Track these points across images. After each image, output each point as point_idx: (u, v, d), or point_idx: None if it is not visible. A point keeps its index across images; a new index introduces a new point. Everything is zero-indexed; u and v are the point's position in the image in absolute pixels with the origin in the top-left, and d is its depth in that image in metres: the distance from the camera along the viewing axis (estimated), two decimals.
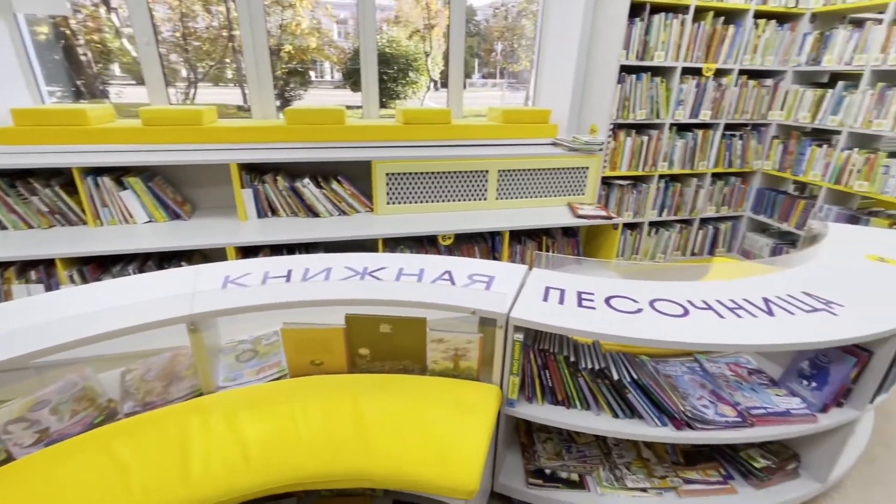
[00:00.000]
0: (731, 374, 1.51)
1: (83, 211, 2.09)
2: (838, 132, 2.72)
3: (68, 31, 3.55)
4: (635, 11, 2.56)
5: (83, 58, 3.80)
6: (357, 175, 2.49)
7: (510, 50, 3.62)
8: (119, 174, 2.14)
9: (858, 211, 2.76)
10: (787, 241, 3.16)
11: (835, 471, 1.46)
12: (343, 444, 1.07)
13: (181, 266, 1.55)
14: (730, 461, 1.49)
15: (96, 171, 2.08)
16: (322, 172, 2.49)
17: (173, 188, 2.34)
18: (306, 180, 2.34)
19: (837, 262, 1.61)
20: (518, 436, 1.57)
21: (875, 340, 1.24)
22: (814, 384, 1.39)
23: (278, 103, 2.89)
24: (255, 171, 2.35)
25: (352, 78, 3.36)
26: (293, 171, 2.49)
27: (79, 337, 1.08)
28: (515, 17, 3.56)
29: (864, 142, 2.71)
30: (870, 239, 1.84)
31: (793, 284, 1.44)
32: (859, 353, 1.31)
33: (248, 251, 2.15)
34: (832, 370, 1.35)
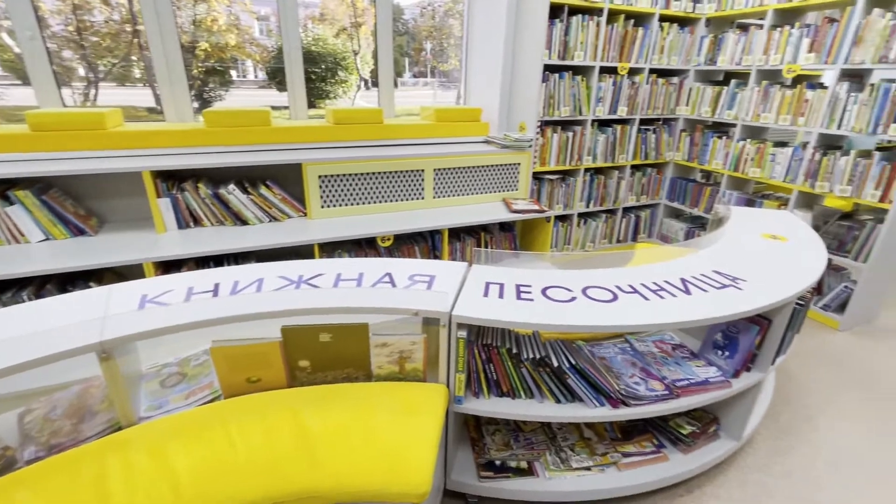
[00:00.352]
0: (657, 351, 1.64)
1: None
2: (734, 125, 3.04)
3: None
4: (555, 13, 2.68)
5: None
6: (287, 179, 2.38)
7: (439, 49, 3.63)
8: (4, 188, 1.88)
9: (754, 195, 3.10)
10: (698, 225, 3.48)
11: (747, 428, 1.63)
12: (286, 463, 1.02)
13: (90, 287, 1.39)
14: (661, 431, 1.62)
15: None
16: (249, 177, 2.35)
17: (74, 201, 2.10)
18: (231, 186, 2.20)
19: (739, 242, 1.80)
20: (467, 431, 1.59)
21: (773, 309, 1.40)
22: (726, 353, 1.55)
23: (196, 105, 2.68)
24: (172, 179, 2.17)
25: (277, 77, 3.19)
26: (216, 176, 2.32)
27: None
28: (443, 16, 3.59)
29: (755, 133, 3.05)
30: (764, 219, 2.08)
31: (705, 264, 1.59)
32: (761, 321, 1.47)
33: (169, 266, 1.98)
34: (741, 339, 1.51)
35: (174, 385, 1.32)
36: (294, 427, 1.11)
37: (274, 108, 2.64)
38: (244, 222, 2.26)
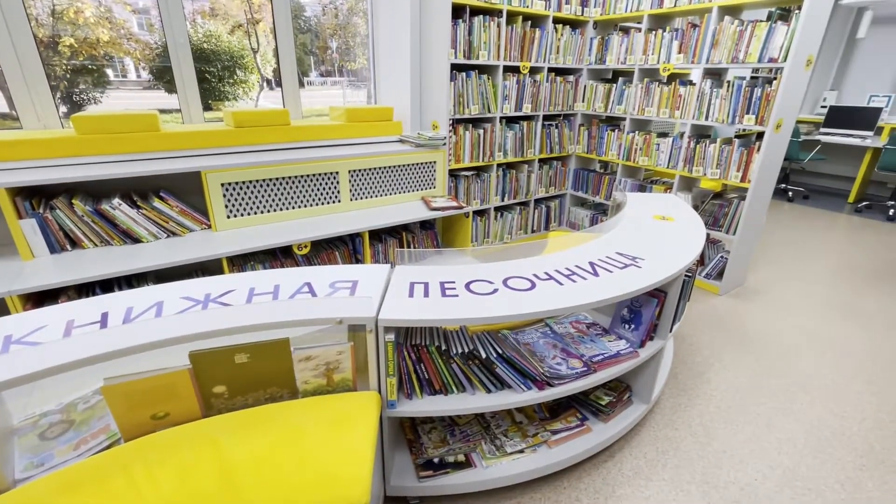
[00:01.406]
0: (574, 331, 1.76)
1: None
2: (624, 119, 3.36)
3: None
4: (457, 13, 2.74)
5: None
6: (184, 189, 2.17)
7: (346, 48, 3.54)
8: None
9: (644, 181, 3.45)
10: (600, 211, 3.79)
11: (654, 391, 1.82)
12: (208, 502, 0.93)
13: None
14: (583, 405, 1.74)
15: None
16: (137, 189, 2.10)
17: None
18: (116, 201, 1.95)
19: (635, 224, 2.00)
20: (403, 434, 1.58)
21: (668, 283, 1.57)
22: (632, 326, 1.71)
23: (65, 109, 2.33)
24: (38, 196, 1.86)
25: (165, 77, 2.89)
26: (96, 190, 2.04)
27: None
28: (346, 14, 3.50)
29: (641, 125, 3.40)
30: (654, 203, 2.32)
31: (608, 247, 1.74)
32: (659, 294, 1.65)
33: (41, 298, 1.70)
34: (643, 312, 1.67)
35: (58, 435, 1.14)
36: (213, 460, 1.02)
37: (163, 111, 2.39)
38: (136, 240, 2.02)
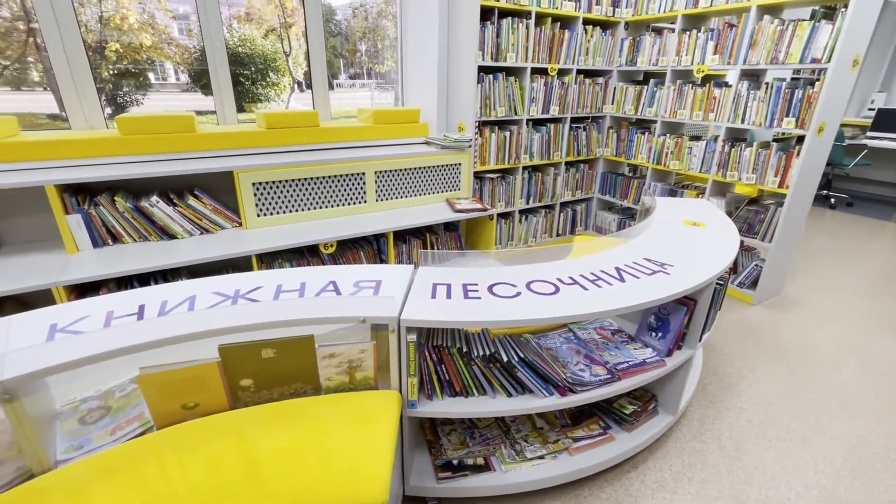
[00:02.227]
0: (598, 338, 1.73)
1: None
2: (654, 121, 3.27)
3: None
4: (485, 15, 2.74)
5: None
6: (218, 188, 2.24)
7: (374, 50, 3.59)
8: None
9: (675, 185, 3.36)
10: (628, 216, 3.71)
11: (682, 401, 1.76)
12: (233, 492, 0.96)
13: None
14: (606, 413, 1.71)
15: None
16: (174, 188, 2.19)
17: None
18: (155, 198, 2.03)
19: (665, 230, 1.94)
20: (423, 434, 1.58)
21: (698, 290, 1.52)
22: (660, 334, 1.66)
23: (110, 110, 2.46)
24: (83, 193, 1.97)
25: (201, 80, 3.00)
26: (136, 188, 2.14)
27: None
28: (376, 17, 3.55)
29: (673, 128, 3.31)
30: (685, 208, 2.26)
31: (636, 253, 1.70)
32: (688, 302, 1.60)
33: (84, 290, 1.80)
34: (671, 320, 1.62)
35: (96, 421, 1.20)
36: (239, 452, 1.05)
37: (199, 112, 2.48)
38: (172, 236, 2.10)
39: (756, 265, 2.84)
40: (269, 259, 2.22)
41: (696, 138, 3.06)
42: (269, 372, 1.22)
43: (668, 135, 3.21)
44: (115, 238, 2.01)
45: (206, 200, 2.16)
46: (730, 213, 2.89)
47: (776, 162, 2.59)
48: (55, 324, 1.17)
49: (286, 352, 1.21)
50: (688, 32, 2.95)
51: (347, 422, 1.15)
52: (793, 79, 2.80)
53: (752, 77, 2.75)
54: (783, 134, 3.00)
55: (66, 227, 1.86)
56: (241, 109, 2.78)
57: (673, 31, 3.05)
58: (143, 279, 1.94)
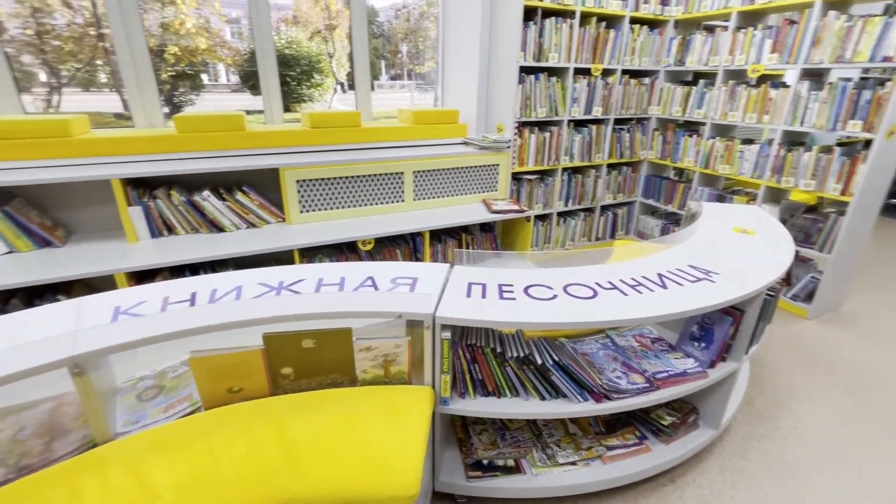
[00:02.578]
0: (637, 345, 1.68)
1: None
2: (703, 123, 3.14)
3: None
4: (528, 15, 2.72)
5: None
6: (264, 184, 2.34)
7: (415, 51, 3.64)
8: None
9: (724, 190, 3.20)
10: (672, 221, 3.57)
11: (725, 416, 1.68)
12: (272, 474, 1.00)
13: (58, 301, 1.34)
14: (643, 423, 1.65)
15: None
16: (224, 183, 2.30)
17: (39, 212, 2.02)
18: (206, 193, 2.15)
19: (711, 236, 1.86)
20: (454, 432, 1.59)
21: (745, 301, 1.45)
22: (703, 344, 1.59)
23: (167, 110, 2.62)
24: (143, 186, 2.11)
25: (250, 81, 3.14)
26: (190, 183, 2.27)
27: None
28: (418, 18, 3.59)
29: (723, 131, 3.16)
30: (734, 214, 2.15)
31: (680, 259, 1.63)
32: (734, 312, 1.52)
33: (142, 276, 1.92)
34: (716, 330, 1.55)
35: (152, 398, 1.28)
36: (279, 436, 1.10)
37: (248, 112, 2.60)
38: (220, 229, 2.21)
39: (813, 277, 2.67)
40: (311, 254, 2.30)
41: (749, 141, 2.91)
42: (309, 362, 1.27)
43: (717, 137, 3.06)
44: (170, 229, 2.14)
45: (252, 196, 2.26)
46: (784, 221, 2.73)
47: (838, 168, 2.42)
48: (118, 306, 1.26)
49: (325, 343, 1.25)
50: (743, 30, 2.81)
51: (381, 414, 1.18)
52: (861, 79, 2.60)
53: (814, 77, 2.58)
54: (847, 138, 2.79)
55: (129, 218, 2.00)
56: (286, 109, 2.89)
57: (726, 29, 2.91)
58: (194, 268, 2.06)
